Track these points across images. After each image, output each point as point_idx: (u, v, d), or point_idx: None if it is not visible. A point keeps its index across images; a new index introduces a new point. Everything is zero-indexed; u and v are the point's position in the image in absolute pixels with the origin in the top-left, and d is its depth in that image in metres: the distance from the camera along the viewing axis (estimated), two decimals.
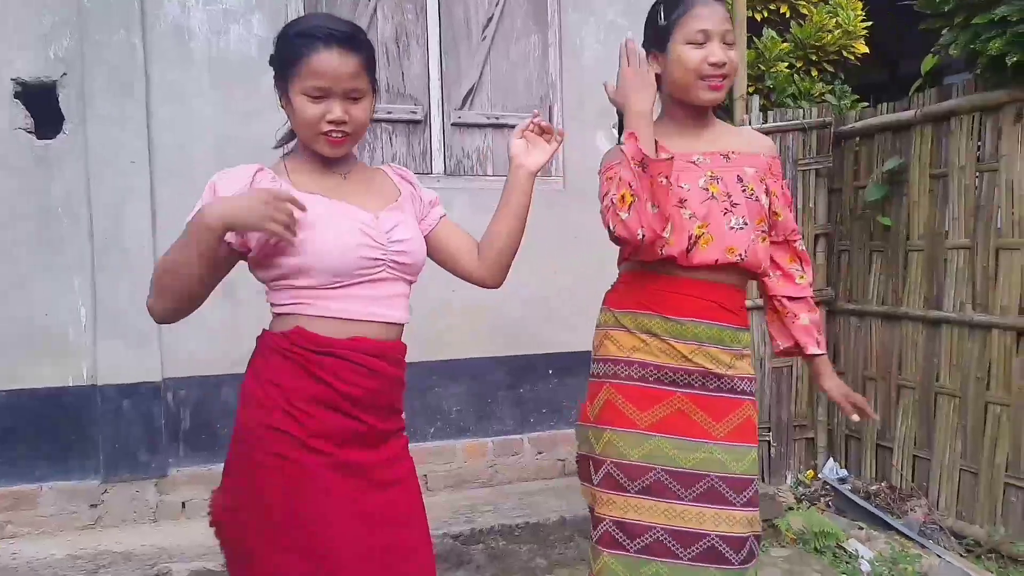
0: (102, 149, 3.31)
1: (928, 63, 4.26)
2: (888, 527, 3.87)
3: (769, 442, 4.58)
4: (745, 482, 2.02)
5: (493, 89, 3.91)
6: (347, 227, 1.70)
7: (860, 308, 4.53)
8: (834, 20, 5.57)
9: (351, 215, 1.73)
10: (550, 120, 4.02)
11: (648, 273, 2.07)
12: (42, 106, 3.30)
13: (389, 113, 3.76)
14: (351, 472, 1.71)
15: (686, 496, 1.99)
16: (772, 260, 2.21)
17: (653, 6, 2.14)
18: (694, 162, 2.05)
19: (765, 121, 4.59)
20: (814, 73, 5.49)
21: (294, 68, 1.68)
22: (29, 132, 3.28)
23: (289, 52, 1.70)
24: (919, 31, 4.06)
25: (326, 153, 1.75)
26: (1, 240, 3.26)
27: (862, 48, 5.62)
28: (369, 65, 1.74)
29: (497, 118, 3.90)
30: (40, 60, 3.26)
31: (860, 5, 5.73)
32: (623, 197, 1.90)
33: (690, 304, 2.03)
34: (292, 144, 1.88)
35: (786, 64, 5.41)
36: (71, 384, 3.33)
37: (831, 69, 5.53)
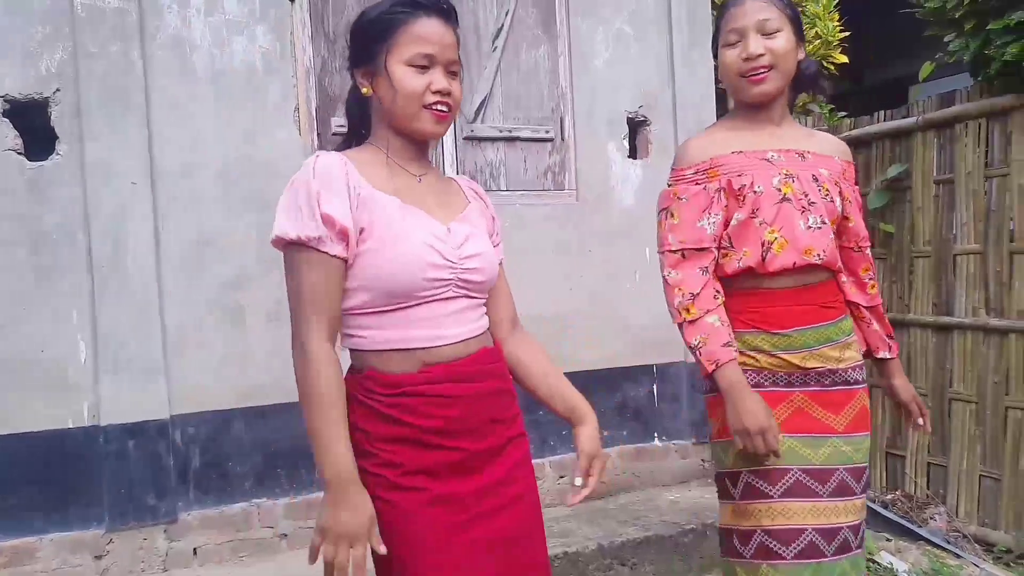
0: (100, 170, 3.06)
1: (926, 70, 4.27)
2: (915, 537, 3.83)
3: None
4: (863, 470, 2.07)
5: (504, 101, 3.78)
6: (417, 240, 1.57)
7: None
8: (813, 31, 5.59)
9: (422, 225, 1.60)
10: (561, 131, 3.91)
11: (743, 291, 2.05)
12: (33, 125, 3.04)
13: None
14: (452, 503, 1.59)
15: (823, 493, 1.99)
16: (846, 266, 2.17)
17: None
18: (768, 159, 2.03)
19: None
20: None
21: (394, 37, 1.59)
22: (19, 154, 3.01)
23: (387, 23, 1.61)
24: (924, 38, 4.08)
25: (427, 130, 1.63)
26: None
27: (841, 58, 5.65)
28: (459, 44, 1.68)
29: (510, 131, 3.76)
30: (30, 75, 3.00)
31: (837, 16, 5.78)
32: (687, 308, 2.00)
33: (791, 314, 2.03)
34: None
35: None
36: (71, 425, 3.06)
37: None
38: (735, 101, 2.13)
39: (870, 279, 2.21)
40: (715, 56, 2.11)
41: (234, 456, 3.30)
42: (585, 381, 3.85)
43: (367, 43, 1.63)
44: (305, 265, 1.54)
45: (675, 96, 4.04)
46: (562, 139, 3.91)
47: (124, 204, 3.10)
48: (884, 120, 4.41)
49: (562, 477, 3.81)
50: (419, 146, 1.70)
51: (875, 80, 6.89)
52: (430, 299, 1.60)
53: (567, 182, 3.90)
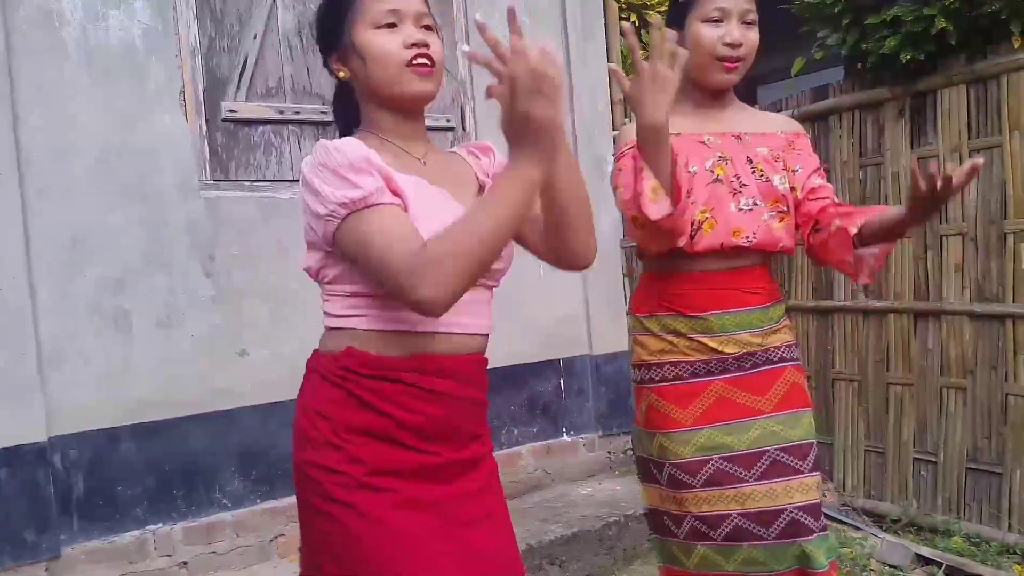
0: None
1: (798, 65, 4.48)
2: None
3: None
4: (807, 447, 2.03)
5: None
6: (443, 222, 1.36)
7: None
8: None
9: (448, 207, 1.44)
10: (462, 121, 3.79)
11: (664, 274, 2.06)
12: None
13: (297, 113, 3.36)
14: (423, 508, 1.44)
15: (750, 477, 1.98)
16: (827, 212, 2.05)
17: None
18: (704, 142, 2.02)
19: None
20: None
21: (352, 6, 1.48)
22: None
23: None
24: (801, 34, 4.26)
25: (415, 89, 1.48)
26: None
27: None
28: (428, 4, 1.56)
29: None
30: None
31: None
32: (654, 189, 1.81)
33: (710, 297, 2.02)
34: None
35: None
36: None
37: None
38: (694, 80, 2.04)
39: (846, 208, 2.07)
40: (678, 24, 2.01)
41: (123, 479, 2.97)
42: (494, 379, 3.77)
43: (329, 25, 1.53)
44: (380, 216, 1.35)
45: (572, 88, 4.03)
46: (463, 129, 3.81)
47: None
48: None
49: None
50: (413, 122, 1.55)
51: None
52: None
53: None
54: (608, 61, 4.44)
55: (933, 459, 3.76)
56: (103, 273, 2.95)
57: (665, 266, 2.04)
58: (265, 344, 3.21)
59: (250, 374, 3.18)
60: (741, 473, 1.98)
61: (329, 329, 1.51)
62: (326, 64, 1.56)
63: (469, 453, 1.53)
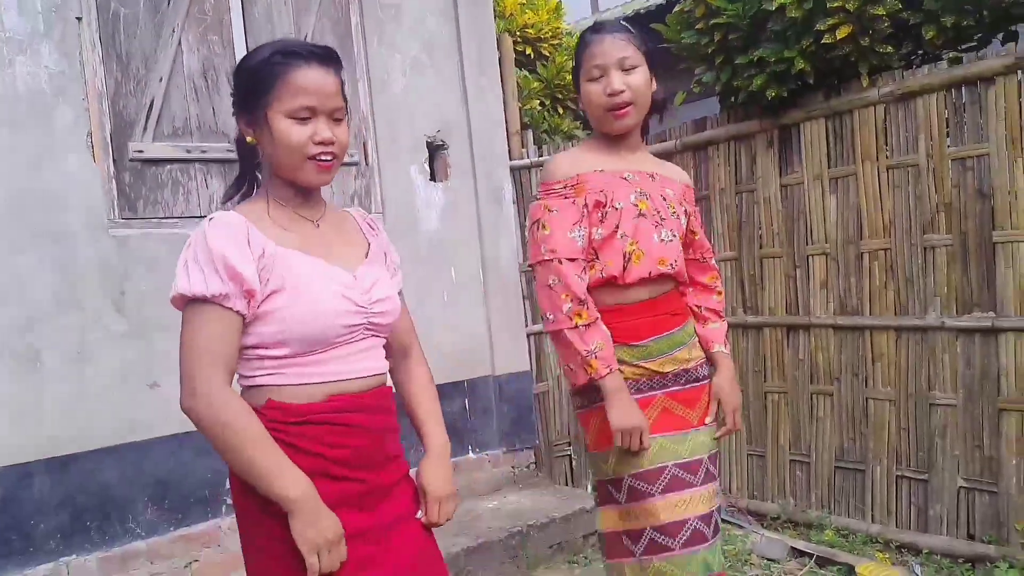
0: None
1: (679, 99, 4.81)
2: None
3: (570, 455, 4.82)
4: (717, 455, 2.29)
5: None
6: (329, 293, 1.60)
7: None
8: (572, 62, 6.06)
9: (332, 276, 1.63)
10: (365, 156, 3.95)
11: (603, 308, 2.18)
12: None
13: (204, 152, 3.46)
14: (360, 538, 1.60)
15: (697, 482, 2.14)
16: (692, 276, 2.41)
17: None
18: (625, 178, 2.20)
19: (540, 155, 4.87)
20: (561, 110, 5.93)
21: (275, 91, 1.57)
22: None
23: (266, 74, 1.58)
24: (673, 72, 4.58)
25: (312, 181, 1.63)
26: None
27: None
28: (343, 86, 1.68)
29: None
30: None
31: None
32: (578, 313, 2.10)
33: (647, 325, 2.20)
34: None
35: (538, 101, 5.79)
36: None
37: (575, 106, 6.01)
38: (597, 131, 2.27)
39: (717, 287, 2.45)
40: (577, 90, 2.25)
41: (36, 513, 3.01)
42: (399, 402, 3.94)
43: (247, 93, 1.62)
44: (209, 320, 1.53)
45: (469, 121, 4.24)
46: (366, 163, 3.96)
47: None
48: (646, 144, 4.87)
49: None
50: (309, 192, 1.70)
51: None
52: (342, 343, 1.63)
53: (373, 206, 3.95)
54: (504, 93, 4.68)
55: (807, 460, 4.11)
56: (13, 313, 3.00)
57: (600, 300, 2.16)
58: (173, 375, 3.26)
59: (162, 405, 3.24)
60: (691, 479, 2.14)
61: (245, 388, 1.63)
62: (236, 117, 1.67)
63: (388, 477, 1.69)
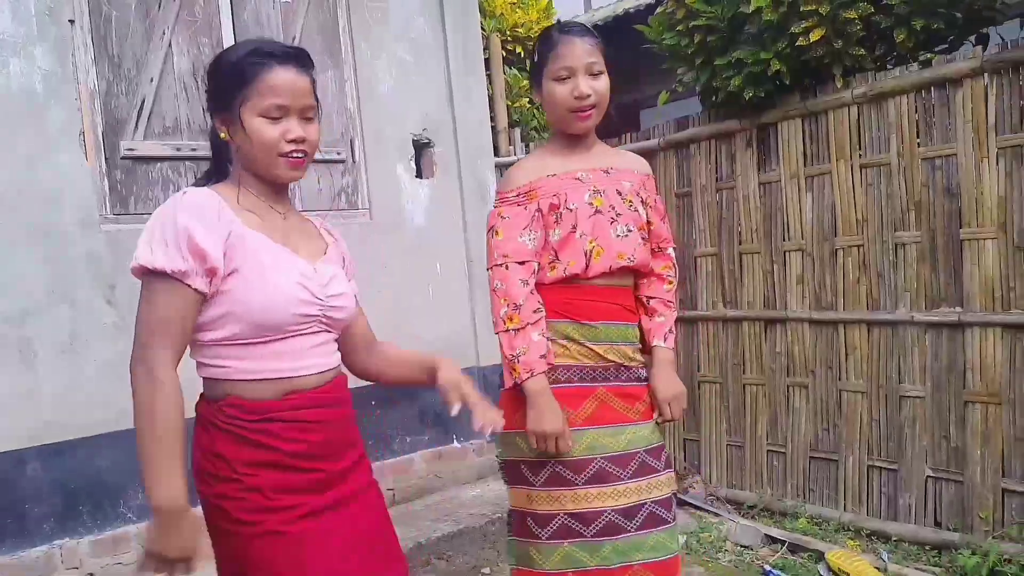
0: None
1: (663, 98, 4.90)
2: (680, 503, 4.38)
3: None
4: (660, 449, 2.32)
5: None
6: (287, 279, 1.65)
7: None
8: None
9: (293, 264, 1.69)
10: (352, 153, 4.07)
11: (557, 286, 2.27)
12: None
13: (193, 150, 3.57)
14: (321, 513, 1.70)
15: (624, 476, 2.21)
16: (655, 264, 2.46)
17: (532, 47, 2.40)
18: (579, 178, 2.27)
19: (527, 152, 4.98)
20: None
21: (248, 89, 1.63)
22: None
23: (240, 74, 1.64)
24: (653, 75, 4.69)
25: (284, 177, 1.70)
26: None
27: None
28: (315, 86, 1.74)
29: None
30: None
31: None
32: (510, 317, 2.19)
33: (599, 309, 2.28)
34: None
35: (527, 99, 5.90)
36: None
37: None
38: (557, 130, 2.35)
39: (669, 276, 2.48)
40: (537, 83, 2.31)
41: (30, 498, 3.13)
42: (386, 394, 4.07)
43: (221, 92, 1.67)
44: (165, 295, 1.57)
45: (455, 119, 4.35)
46: (353, 161, 4.07)
47: None
48: (631, 141, 4.98)
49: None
50: (279, 187, 1.76)
51: (610, 105, 7.65)
52: (296, 334, 1.68)
53: (360, 202, 4.06)
54: (492, 92, 4.79)
55: (783, 450, 4.22)
56: (7, 306, 3.12)
57: (558, 282, 2.26)
58: None
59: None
60: (619, 472, 2.20)
61: (204, 378, 1.68)
62: (210, 115, 1.75)
63: (346, 462, 1.78)
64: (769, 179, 4.22)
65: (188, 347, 1.65)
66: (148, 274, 1.58)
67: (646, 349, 2.45)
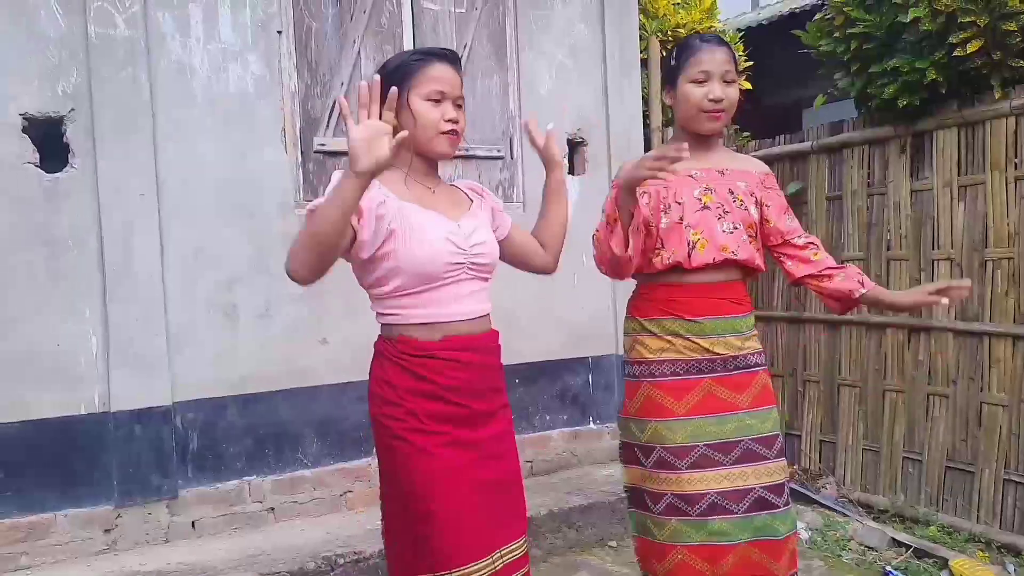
0: (110, 183, 3.41)
1: (819, 101, 4.96)
2: (811, 502, 4.49)
3: None
4: (772, 438, 2.43)
5: None
6: (436, 235, 1.98)
7: (767, 314, 5.16)
8: None
9: (439, 224, 2.00)
10: (510, 151, 4.43)
11: (663, 284, 2.44)
12: (47, 140, 3.36)
13: None
14: (463, 447, 2.01)
15: (727, 461, 2.37)
16: (784, 253, 2.56)
17: (670, 50, 2.60)
18: (692, 176, 2.43)
19: None
20: None
21: (415, 79, 1.98)
22: (37, 166, 3.33)
23: (406, 67, 2.01)
24: (817, 76, 4.77)
25: (443, 150, 2.04)
26: (10, 270, 3.29)
27: (745, 84, 6.34)
28: (463, 81, 2.09)
29: (467, 149, 4.24)
30: (47, 95, 3.33)
31: (742, 47, 6.47)
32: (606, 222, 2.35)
33: (704, 304, 2.42)
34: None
35: None
36: (83, 412, 3.40)
37: None
38: (685, 128, 2.50)
39: (813, 251, 2.52)
40: (672, 84, 2.48)
41: (227, 439, 3.69)
42: (529, 372, 4.43)
43: (391, 85, 1.93)
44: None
45: (608, 120, 4.61)
46: (511, 157, 4.42)
47: (132, 214, 3.46)
48: (784, 144, 5.08)
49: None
50: (432, 165, 2.10)
51: (773, 103, 7.65)
52: (449, 281, 2.00)
53: (516, 195, 4.42)
54: (646, 95, 5.02)
55: (919, 458, 4.24)
56: (217, 276, 3.67)
57: (665, 279, 2.41)
58: (339, 333, 3.88)
59: (329, 358, 3.87)
60: (721, 458, 2.34)
61: (383, 324, 2.06)
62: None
63: (490, 405, 2.10)
64: (921, 187, 4.23)
65: (368, 295, 2.04)
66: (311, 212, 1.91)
67: (859, 300, 2.50)
